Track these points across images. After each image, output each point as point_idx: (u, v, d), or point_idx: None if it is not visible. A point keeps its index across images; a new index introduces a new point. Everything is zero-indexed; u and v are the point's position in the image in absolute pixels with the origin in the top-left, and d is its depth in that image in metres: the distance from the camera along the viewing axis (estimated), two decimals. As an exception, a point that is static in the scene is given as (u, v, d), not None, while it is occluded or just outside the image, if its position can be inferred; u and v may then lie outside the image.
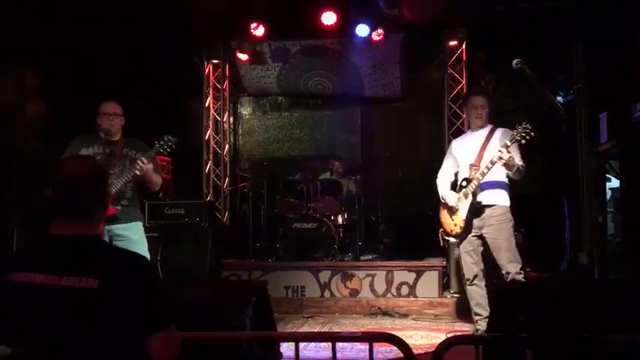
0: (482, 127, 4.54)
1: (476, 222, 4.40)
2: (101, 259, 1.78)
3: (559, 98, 6.80)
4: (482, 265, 4.48)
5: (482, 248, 4.46)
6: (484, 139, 4.44)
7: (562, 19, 6.20)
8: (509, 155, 4.10)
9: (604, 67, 5.67)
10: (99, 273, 1.69)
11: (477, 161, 4.38)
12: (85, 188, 1.84)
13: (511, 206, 4.42)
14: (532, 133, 4.04)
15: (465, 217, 4.39)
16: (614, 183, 5.49)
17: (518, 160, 4.25)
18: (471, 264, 4.48)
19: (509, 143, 4.10)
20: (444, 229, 4.64)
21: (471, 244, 4.46)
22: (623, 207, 5.19)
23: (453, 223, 4.50)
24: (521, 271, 4.30)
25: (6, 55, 5.92)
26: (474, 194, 4.33)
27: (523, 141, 4.10)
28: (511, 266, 4.28)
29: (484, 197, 4.36)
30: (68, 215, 1.82)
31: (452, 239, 4.62)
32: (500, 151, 4.12)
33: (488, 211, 4.35)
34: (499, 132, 4.45)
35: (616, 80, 5.39)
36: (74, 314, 1.68)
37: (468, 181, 4.38)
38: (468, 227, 4.41)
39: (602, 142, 5.39)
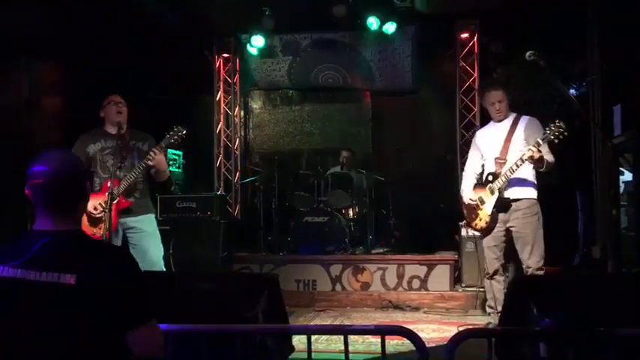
0: (504, 118, 4.45)
1: (502, 216, 4.33)
2: (80, 254, 1.76)
3: (572, 90, 6.74)
4: (503, 261, 4.43)
5: (505, 244, 4.40)
6: (508, 130, 4.35)
7: (576, 10, 6.13)
8: (540, 154, 4.03)
9: (618, 59, 5.61)
10: (77, 268, 1.68)
11: (503, 154, 4.30)
12: (65, 183, 1.82)
13: (539, 198, 4.34)
14: (566, 133, 3.96)
15: (490, 213, 4.33)
16: (628, 176, 5.44)
17: (548, 157, 4.16)
18: (493, 259, 4.43)
19: (541, 142, 4.03)
20: (467, 222, 4.58)
21: (495, 239, 4.40)
22: (636, 200, 5.15)
23: (478, 217, 4.42)
24: (543, 268, 4.24)
25: (22, 50, 5.96)
26: (501, 190, 4.26)
27: (556, 140, 4.02)
28: (532, 261, 4.23)
29: (511, 192, 4.29)
30: (49, 210, 1.80)
31: (477, 233, 4.57)
32: (531, 149, 4.04)
33: (514, 204, 4.29)
34: (523, 121, 4.35)
35: (630, 72, 5.33)
36: (53, 310, 1.67)
37: (495, 176, 4.30)
38: (493, 222, 4.34)
39: (615, 134, 5.35)
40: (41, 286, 1.67)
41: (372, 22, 6.93)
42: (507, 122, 4.40)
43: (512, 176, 4.23)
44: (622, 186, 5.49)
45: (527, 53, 3.89)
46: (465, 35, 7.27)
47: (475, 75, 7.25)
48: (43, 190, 1.80)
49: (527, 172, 4.28)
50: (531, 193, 4.31)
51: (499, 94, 4.43)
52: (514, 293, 2.97)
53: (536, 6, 6.39)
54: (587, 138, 6.18)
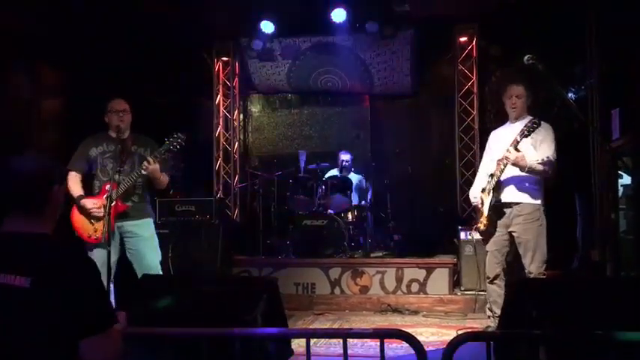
0: (517, 118, 4.39)
1: (503, 220, 4.29)
2: (39, 257, 1.75)
3: (570, 94, 6.75)
4: (504, 265, 4.39)
5: (508, 249, 4.36)
6: (518, 132, 4.23)
7: (575, 14, 6.15)
8: (516, 155, 4.01)
9: (617, 63, 5.62)
10: (33, 271, 1.68)
11: (504, 156, 4.22)
12: (31, 186, 1.83)
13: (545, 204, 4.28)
14: (535, 125, 3.95)
15: (487, 215, 4.31)
16: (627, 179, 5.44)
17: (540, 153, 4.12)
18: (494, 264, 4.39)
19: (519, 139, 4.02)
20: (476, 224, 4.57)
21: (496, 244, 4.36)
22: (635, 204, 5.15)
23: (479, 219, 4.42)
24: (545, 272, 4.21)
25: (22, 52, 5.97)
26: (494, 191, 4.24)
27: (525, 138, 4.01)
28: (533, 267, 4.20)
29: (506, 194, 4.26)
30: (17, 212, 1.81)
31: (480, 236, 4.57)
32: (507, 150, 4.06)
33: (515, 208, 4.24)
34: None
35: (629, 76, 5.34)
36: (7, 312, 1.67)
37: (492, 177, 4.29)
38: (491, 225, 4.31)
39: (614, 138, 5.36)
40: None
41: (371, 26, 6.95)
42: (520, 124, 4.29)
43: (509, 177, 4.21)
44: (621, 189, 5.50)
45: (525, 57, 3.89)
46: (463, 39, 7.29)
47: (474, 78, 7.27)
48: (9, 193, 1.82)
49: (529, 175, 4.21)
50: (533, 198, 4.24)
51: (520, 89, 4.38)
52: (513, 296, 2.97)
53: (535, 9, 6.41)
54: (585, 141, 6.19)
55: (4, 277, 1.68)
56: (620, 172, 5.38)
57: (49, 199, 1.87)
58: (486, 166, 4.53)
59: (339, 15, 6.81)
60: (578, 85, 6.78)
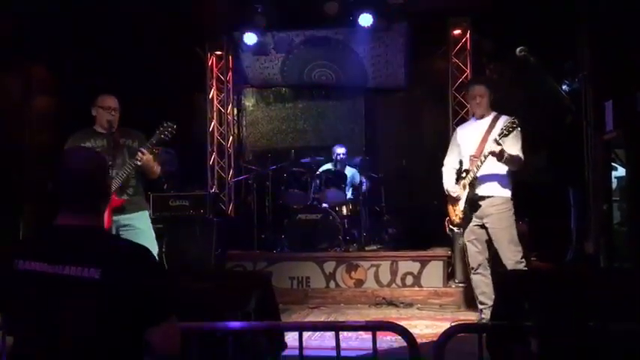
0: (483, 115, 4.55)
1: (477, 213, 4.44)
2: (104, 249, 1.78)
3: (564, 86, 6.75)
4: (487, 254, 4.50)
5: (486, 237, 4.47)
6: (486, 129, 4.44)
7: (567, 6, 6.14)
8: (499, 148, 4.13)
9: (609, 55, 5.62)
10: (101, 263, 1.70)
11: (478, 152, 4.38)
12: (87, 180, 1.85)
13: (514, 196, 4.45)
14: (514, 126, 4.08)
15: (463, 208, 4.47)
16: (620, 171, 5.46)
17: (514, 152, 4.25)
18: (475, 252, 4.50)
19: (497, 138, 4.14)
20: (449, 217, 4.68)
21: (473, 232, 4.49)
22: (629, 195, 5.17)
23: (454, 212, 4.56)
24: (522, 260, 4.33)
25: (12, 51, 5.93)
26: (472, 186, 4.38)
27: (509, 135, 4.13)
28: (511, 255, 4.31)
29: (482, 189, 4.41)
30: (72, 207, 1.83)
31: (455, 229, 4.65)
32: (491, 144, 4.17)
33: (487, 201, 4.39)
34: (501, 121, 4.41)
35: (621, 68, 5.34)
36: (76, 304, 1.69)
37: (467, 172, 4.43)
38: (467, 218, 4.47)
39: (607, 130, 5.36)
40: (64, 279, 1.69)
41: (365, 19, 6.92)
42: (487, 120, 4.49)
43: (483, 173, 4.35)
44: (614, 181, 5.52)
45: (518, 49, 3.91)
46: (457, 32, 7.27)
47: (468, 72, 7.25)
48: (65, 187, 1.84)
49: (500, 169, 4.36)
50: (504, 190, 4.41)
51: (481, 88, 4.55)
52: (505, 287, 2.98)
53: (527, 2, 6.40)
54: (579, 134, 6.20)
55: (71, 269, 1.69)
56: (613, 164, 5.39)
57: (105, 193, 1.96)
58: (453, 161, 4.68)
59: (332, 8, 6.76)
60: (571, 77, 6.78)
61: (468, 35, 7.22)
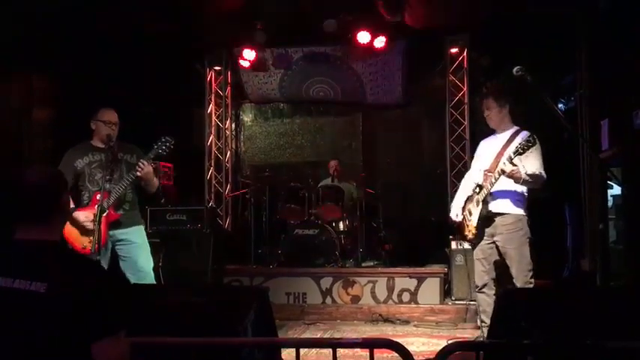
0: (498, 128, 4.45)
1: (488, 230, 4.33)
2: (53, 263, 1.81)
3: (560, 105, 6.80)
4: (493, 274, 4.41)
5: (495, 257, 4.38)
6: (503, 144, 4.31)
7: (565, 26, 6.20)
8: (511, 168, 4.02)
9: (606, 74, 5.68)
10: (48, 277, 1.74)
11: (492, 167, 4.27)
12: (38, 194, 1.90)
13: (528, 214, 4.31)
14: (530, 145, 3.93)
15: (475, 224, 4.35)
16: (616, 190, 5.49)
17: (533, 170, 4.14)
18: (481, 272, 4.42)
19: (512, 156, 4.02)
20: (460, 232, 4.61)
21: (483, 252, 4.40)
22: (625, 214, 5.19)
23: (467, 228, 4.45)
24: (532, 280, 4.23)
25: (13, 61, 5.95)
26: (485, 202, 4.28)
27: (525, 154, 3.99)
28: (520, 276, 4.22)
29: (494, 205, 4.29)
30: (29, 221, 1.88)
31: (466, 244, 4.59)
32: (504, 163, 4.07)
33: (499, 219, 4.27)
34: (520, 137, 4.25)
35: (618, 87, 5.39)
36: (24, 317, 1.72)
37: (480, 187, 4.33)
38: (479, 234, 4.35)
39: (603, 148, 5.40)
40: (13, 292, 1.73)
41: (363, 37, 6.98)
42: (506, 135, 4.37)
43: (497, 189, 4.24)
44: (610, 199, 5.54)
45: (515, 69, 3.91)
46: (454, 50, 7.34)
47: (465, 89, 7.31)
48: (20, 202, 1.90)
49: (515, 186, 4.24)
50: (517, 208, 4.28)
51: (488, 102, 4.49)
52: (503, 306, 2.98)
53: (525, 21, 6.46)
54: (575, 152, 6.24)
55: (19, 282, 1.74)
56: (609, 182, 5.42)
57: (58, 208, 1.96)
58: (475, 174, 4.56)
59: (330, 25, 6.81)
60: (567, 96, 6.84)
61: (465, 53, 7.29)
